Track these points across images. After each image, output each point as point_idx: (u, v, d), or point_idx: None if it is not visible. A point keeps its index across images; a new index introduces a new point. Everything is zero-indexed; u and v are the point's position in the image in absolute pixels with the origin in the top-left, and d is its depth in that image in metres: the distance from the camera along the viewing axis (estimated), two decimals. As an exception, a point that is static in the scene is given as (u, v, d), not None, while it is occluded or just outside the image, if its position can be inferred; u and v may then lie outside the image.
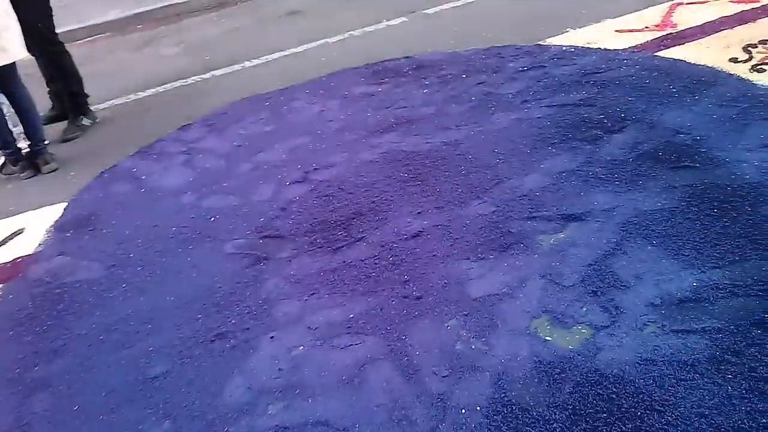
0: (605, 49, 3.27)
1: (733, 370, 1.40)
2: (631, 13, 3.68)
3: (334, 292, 1.89)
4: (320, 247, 2.12)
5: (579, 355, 1.51)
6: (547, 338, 1.58)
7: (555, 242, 1.93)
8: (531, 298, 1.72)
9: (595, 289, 1.71)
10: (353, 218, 2.24)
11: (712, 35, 3.22)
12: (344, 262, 2.01)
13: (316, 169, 2.65)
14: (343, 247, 2.10)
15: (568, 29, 3.61)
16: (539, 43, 3.50)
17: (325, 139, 2.90)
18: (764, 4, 3.44)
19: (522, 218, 2.07)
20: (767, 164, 2.15)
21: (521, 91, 2.95)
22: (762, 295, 1.59)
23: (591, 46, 3.35)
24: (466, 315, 1.70)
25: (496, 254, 1.91)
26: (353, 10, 4.98)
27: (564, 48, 3.36)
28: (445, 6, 4.59)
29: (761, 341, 1.46)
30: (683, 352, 1.47)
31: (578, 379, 1.44)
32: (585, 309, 1.65)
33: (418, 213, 2.18)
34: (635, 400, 1.37)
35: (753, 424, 1.27)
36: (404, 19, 4.52)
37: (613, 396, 1.39)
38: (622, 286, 1.71)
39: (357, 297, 1.84)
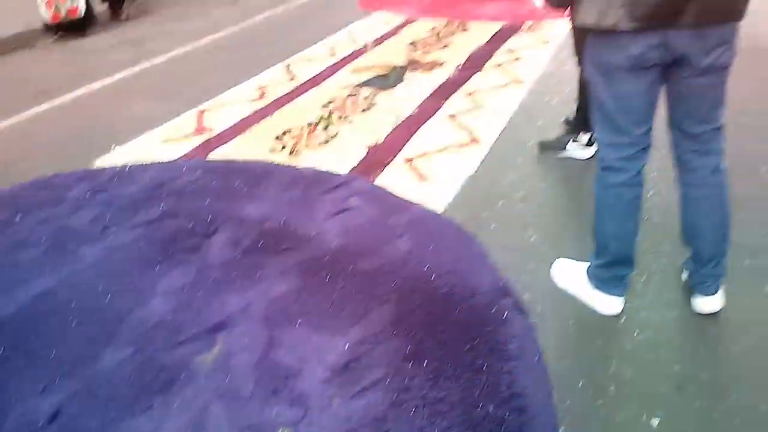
0: (162, 162, 3.33)
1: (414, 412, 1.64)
2: (168, 121, 3.86)
3: None
4: None
5: (293, 456, 1.51)
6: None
7: (213, 359, 1.88)
8: (219, 426, 1.64)
9: (273, 388, 1.74)
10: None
11: (245, 132, 3.68)
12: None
13: None
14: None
15: (114, 147, 3.54)
16: (91, 166, 3.32)
17: None
18: (273, 100, 4.12)
19: (168, 348, 1.93)
20: (341, 229, 2.59)
21: (97, 219, 2.72)
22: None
23: (144, 160, 3.37)
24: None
25: (161, 398, 1.74)
26: None
27: (120, 166, 3.28)
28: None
29: (423, 377, 1.76)
30: (369, 409, 1.64)
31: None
32: (275, 411, 1.66)
33: (44, 389, 1.79)
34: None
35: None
36: None
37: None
38: (294, 374, 1.79)
39: None
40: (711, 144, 1.83)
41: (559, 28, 4.87)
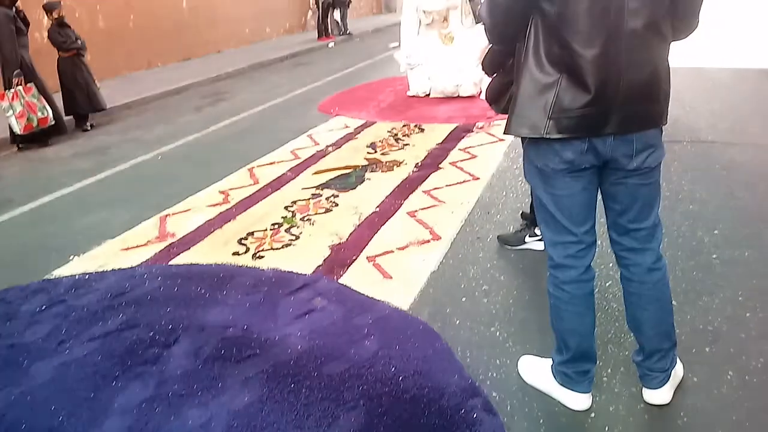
0: (121, 269, 3.29)
1: None
2: (127, 230, 3.84)
3: None
4: None
5: None
6: None
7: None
8: None
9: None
10: None
11: (208, 236, 3.67)
12: None
13: None
14: None
15: (71, 257, 3.48)
16: (46, 278, 3.24)
17: None
18: (236, 203, 4.16)
19: (124, 471, 1.83)
20: (306, 331, 2.57)
21: (52, 333, 2.66)
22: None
23: (104, 268, 3.32)
24: None
25: None
26: None
27: (78, 276, 3.22)
28: None
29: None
30: None
31: None
32: None
33: None
34: None
35: None
36: None
37: None
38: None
39: None
40: (647, 242, 1.90)
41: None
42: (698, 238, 3.19)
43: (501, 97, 2.81)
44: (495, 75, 2.81)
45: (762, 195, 3.75)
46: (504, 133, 1.88)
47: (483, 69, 2.77)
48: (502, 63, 2.67)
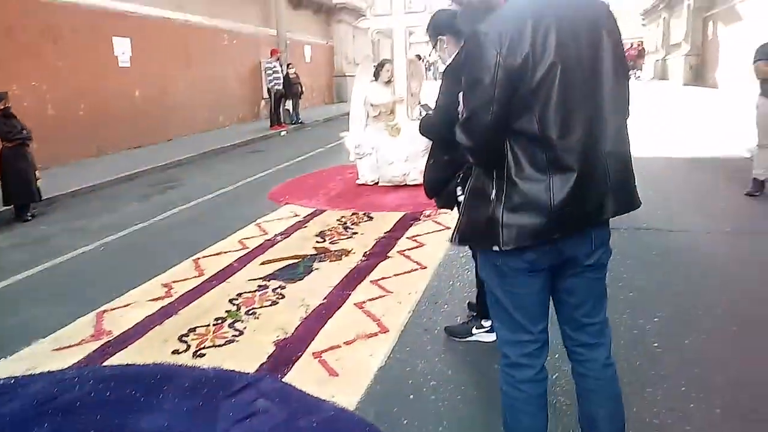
0: (51, 372, 3.10)
1: None
2: (61, 328, 3.65)
3: None
4: None
5: None
6: None
7: None
8: None
9: None
10: None
11: (147, 333, 3.52)
12: None
13: None
14: None
15: (-2, 358, 3.27)
16: (-34, 383, 3.02)
17: None
18: (179, 297, 4.04)
19: None
20: (246, 437, 2.43)
21: (-35, 449, 2.44)
22: None
23: (32, 371, 3.12)
24: None
25: None
26: None
27: (2, 381, 3.01)
28: None
29: None
30: None
31: None
32: None
33: None
34: None
35: None
36: None
37: None
38: None
39: None
40: (600, 336, 1.93)
41: (456, 214, 5.25)
42: (640, 326, 3.26)
43: (442, 192, 2.90)
44: (431, 166, 2.90)
45: (696, 280, 3.89)
46: (477, 248, 1.84)
47: (425, 189, 2.88)
48: (447, 180, 2.78)
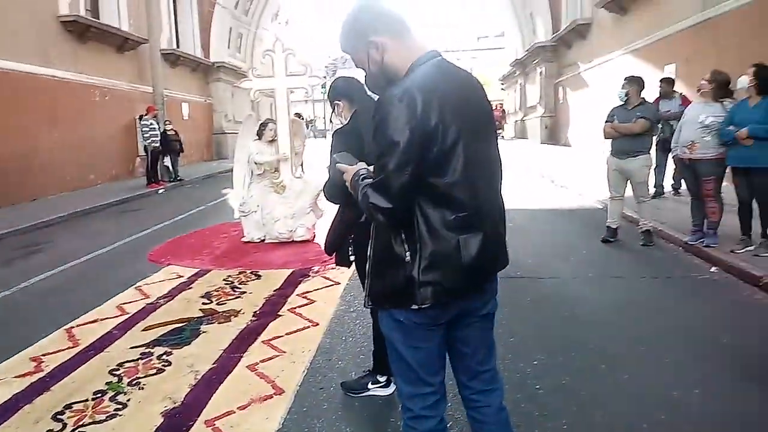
0: None
1: None
2: None
3: None
4: None
5: None
6: None
7: None
8: None
9: None
10: None
11: (16, 414, 3.21)
12: None
13: None
14: None
15: None
16: None
17: None
18: (51, 371, 3.72)
19: None
20: None
21: None
22: None
23: None
24: None
25: None
26: None
27: None
28: None
29: None
30: None
31: None
32: None
33: None
34: None
35: None
36: None
37: None
38: None
39: None
40: (494, 382, 2.07)
41: (345, 269, 5.34)
42: (521, 370, 3.48)
43: (342, 248, 3.01)
44: (336, 226, 3.00)
45: (567, 323, 4.23)
46: (389, 308, 1.88)
47: (325, 249, 2.96)
48: (347, 234, 2.87)
